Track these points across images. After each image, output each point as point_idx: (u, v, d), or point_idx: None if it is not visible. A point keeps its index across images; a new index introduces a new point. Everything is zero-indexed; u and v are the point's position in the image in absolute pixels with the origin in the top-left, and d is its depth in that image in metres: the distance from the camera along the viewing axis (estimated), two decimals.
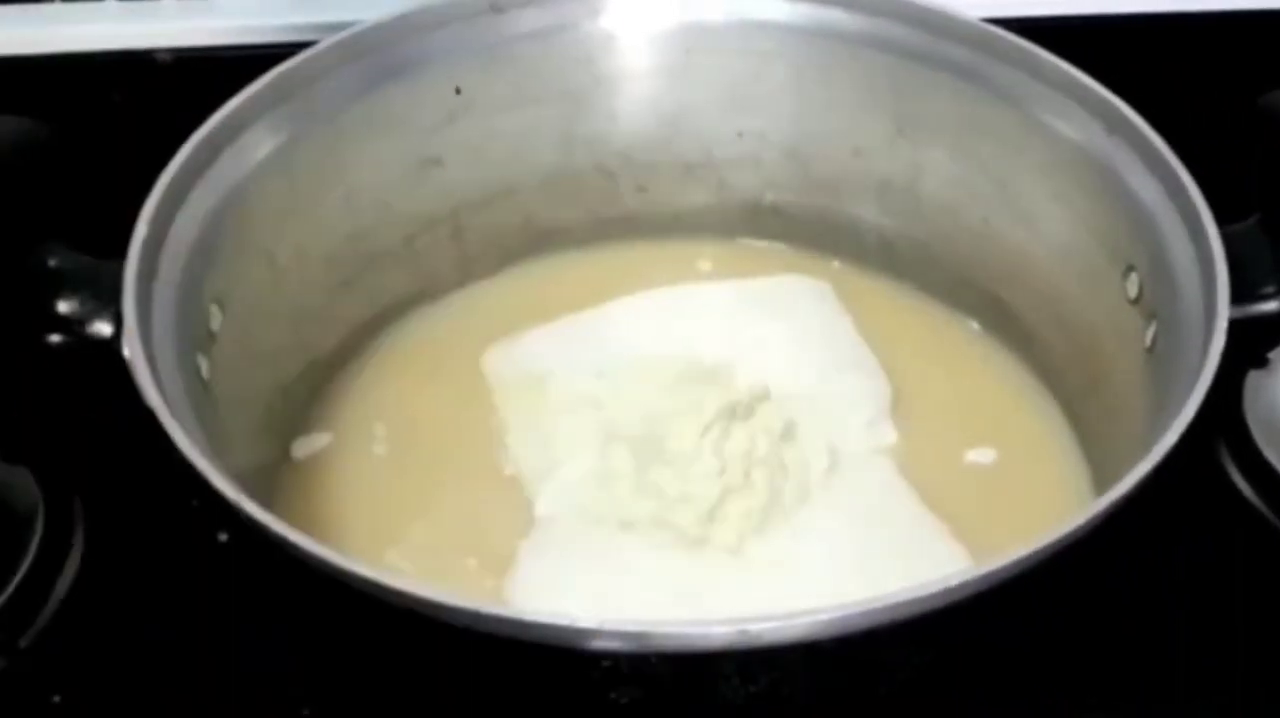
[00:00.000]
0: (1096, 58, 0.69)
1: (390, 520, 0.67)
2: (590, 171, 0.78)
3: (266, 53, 0.71)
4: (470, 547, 0.66)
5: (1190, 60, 0.86)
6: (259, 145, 0.68)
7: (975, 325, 0.77)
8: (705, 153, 0.78)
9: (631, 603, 0.62)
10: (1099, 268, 0.69)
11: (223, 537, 0.63)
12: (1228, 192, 0.64)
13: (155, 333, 0.60)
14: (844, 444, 0.69)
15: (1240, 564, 0.64)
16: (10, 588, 0.60)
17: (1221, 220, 0.62)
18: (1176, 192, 0.64)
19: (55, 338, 0.61)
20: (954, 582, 0.51)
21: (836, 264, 0.79)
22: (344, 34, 0.71)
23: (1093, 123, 0.68)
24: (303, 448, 0.70)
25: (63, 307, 0.61)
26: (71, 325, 0.61)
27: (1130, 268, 0.67)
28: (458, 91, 0.74)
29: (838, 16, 0.74)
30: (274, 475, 0.68)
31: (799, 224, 0.79)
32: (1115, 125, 0.67)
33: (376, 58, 0.71)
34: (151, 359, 0.58)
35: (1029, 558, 0.52)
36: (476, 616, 0.50)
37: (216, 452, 0.57)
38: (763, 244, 0.80)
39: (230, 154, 0.66)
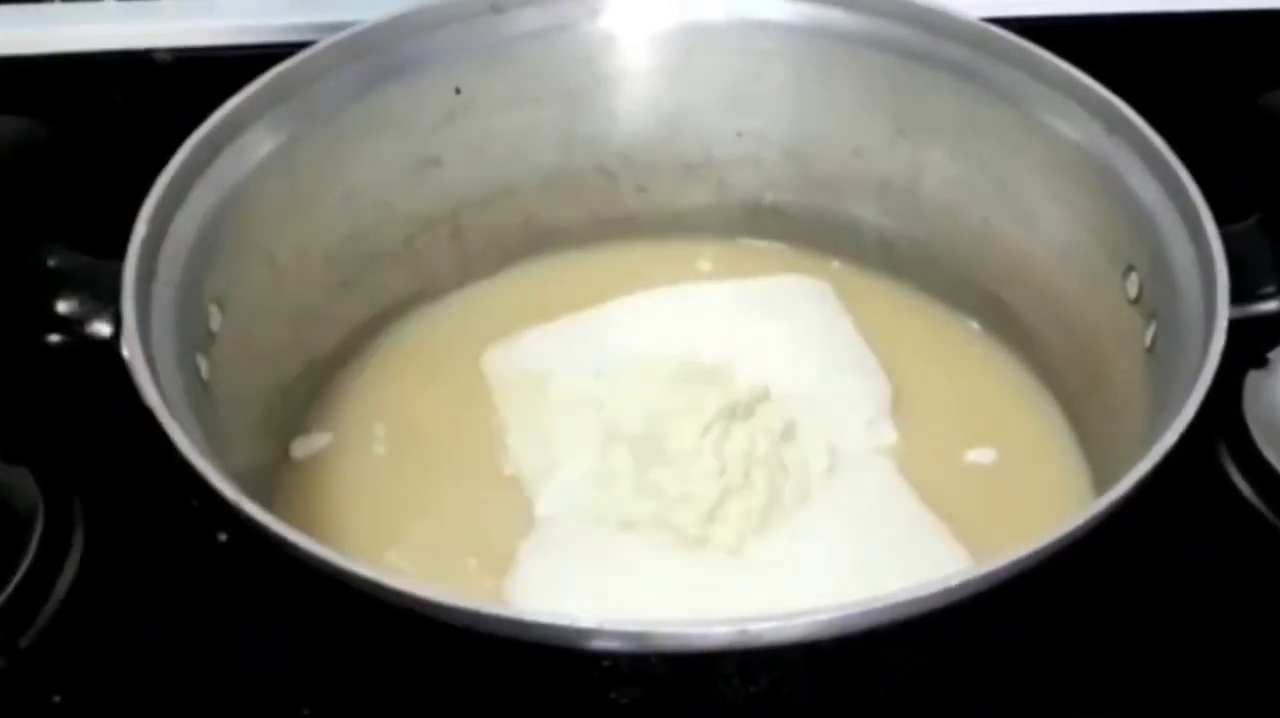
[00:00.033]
0: (1096, 58, 0.69)
1: (390, 520, 0.67)
2: (590, 171, 0.78)
3: (266, 53, 0.71)
4: (470, 547, 0.66)
5: (1190, 60, 0.86)
6: (258, 145, 0.68)
7: (975, 325, 0.77)
8: (705, 153, 0.78)
9: (631, 603, 0.62)
10: (1099, 268, 0.69)
11: (222, 537, 0.62)
12: (1228, 192, 0.64)
13: (155, 333, 0.60)
14: (844, 444, 0.69)
15: (1240, 564, 0.64)
16: (10, 588, 0.60)
17: (1221, 220, 0.62)
18: (1176, 191, 0.64)
19: (55, 338, 0.61)
20: (954, 582, 0.51)
21: (836, 264, 0.79)
22: (343, 34, 0.71)
23: (1093, 123, 0.68)
24: (302, 448, 0.70)
25: (62, 307, 0.61)
26: (71, 325, 0.61)
27: (1130, 268, 0.67)
28: (457, 91, 0.74)
29: (838, 16, 0.74)
30: (274, 475, 0.68)
31: (799, 224, 0.79)
32: (1115, 125, 0.67)
33: (376, 58, 0.71)
34: (151, 359, 0.58)
35: (1029, 558, 0.52)
36: (476, 615, 0.50)
37: (216, 452, 0.57)
38: (763, 244, 0.80)
39: (230, 154, 0.66)
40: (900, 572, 0.55)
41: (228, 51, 0.86)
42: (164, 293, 0.61)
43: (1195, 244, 0.63)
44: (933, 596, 0.51)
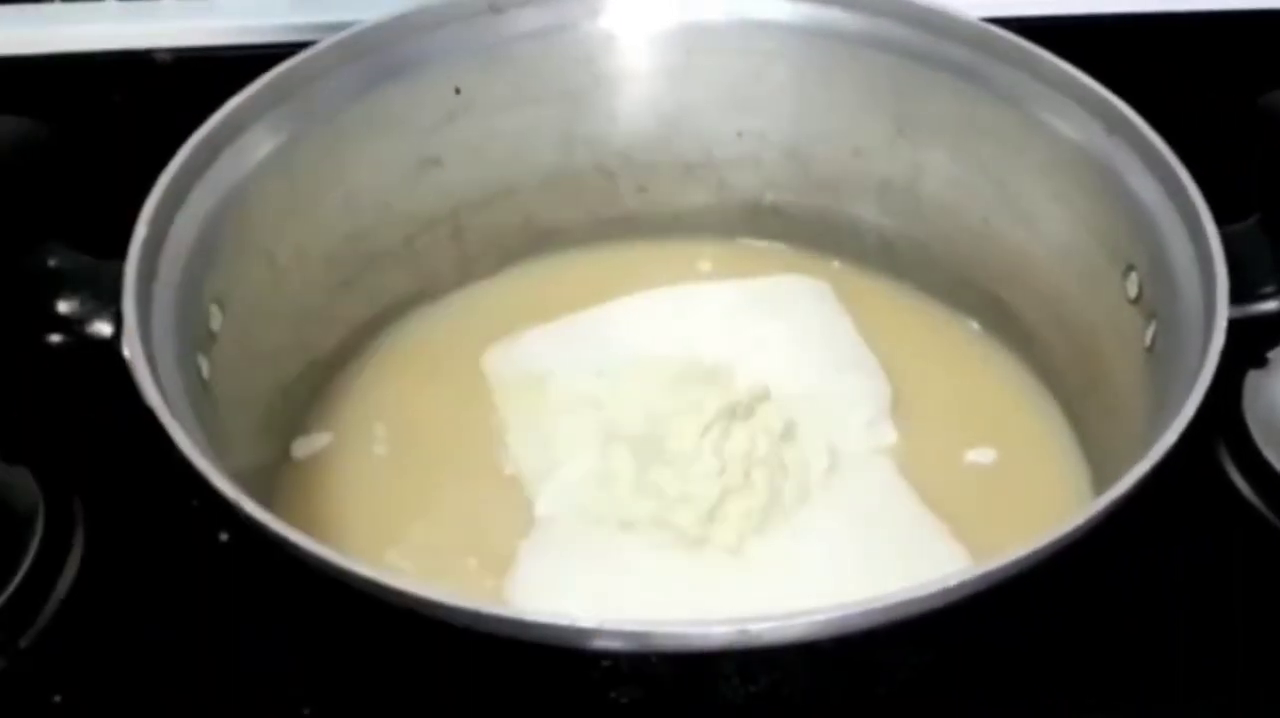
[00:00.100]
0: (1096, 58, 0.69)
1: (390, 520, 0.67)
2: (590, 172, 0.78)
3: (266, 53, 0.71)
4: (470, 547, 0.66)
5: (1190, 60, 0.86)
6: (259, 145, 0.68)
7: (975, 325, 0.77)
8: (705, 153, 0.78)
9: (631, 603, 0.62)
10: (1099, 268, 0.69)
11: (223, 537, 0.62)
12: (1228, 192, 0.64)
13: (155, 333, 0.60)
14: (844, 444, 0.69)
15: (1239, 564, 0.64)
16: (10, 588, 0.60)
17: (1221, 220, 0.63)
18: (1176, 191, 0.64)
19: (55, 338, 0.61)
20: (953, 582, 0.51)
21: (836, 264, 0.79)
22: (343, 34, 0.71)
23: (1093, 123, 0.68)
24: (303, 448, 0.70)
25: (63, 307, 0.61)
26: (71, 325, 0.61)
27: (1130, 268, 0.67)
28: (457, 91, 0.74)
29: (838, 17, 0.74)
30: (274, 475, 0.68)
31: (799, 224, 0.79)
32: (1115, 125, 0.67)
33: (376, 58, 0.72)
34: (151, 359, 0.58)
35: (1028, 558, 0.52)
36: (477, 615, 0.50)
37: (217, 452, 0.57)
38: (763, 244, 0.81)
39: (230, 154, 0.67)
40: (900, 572, 0.55)
41: (228, 52, 0.86)
42: (164, 293, 0.61)
43: (1195, 244, 0.63)
44: (932, 596, 0.51)
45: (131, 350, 0.58)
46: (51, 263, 0.62)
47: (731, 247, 0.81)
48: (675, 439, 0.65)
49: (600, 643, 0.51)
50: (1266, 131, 0.68)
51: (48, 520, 0.62)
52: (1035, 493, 0.69)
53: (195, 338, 0.63)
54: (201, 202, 0.65)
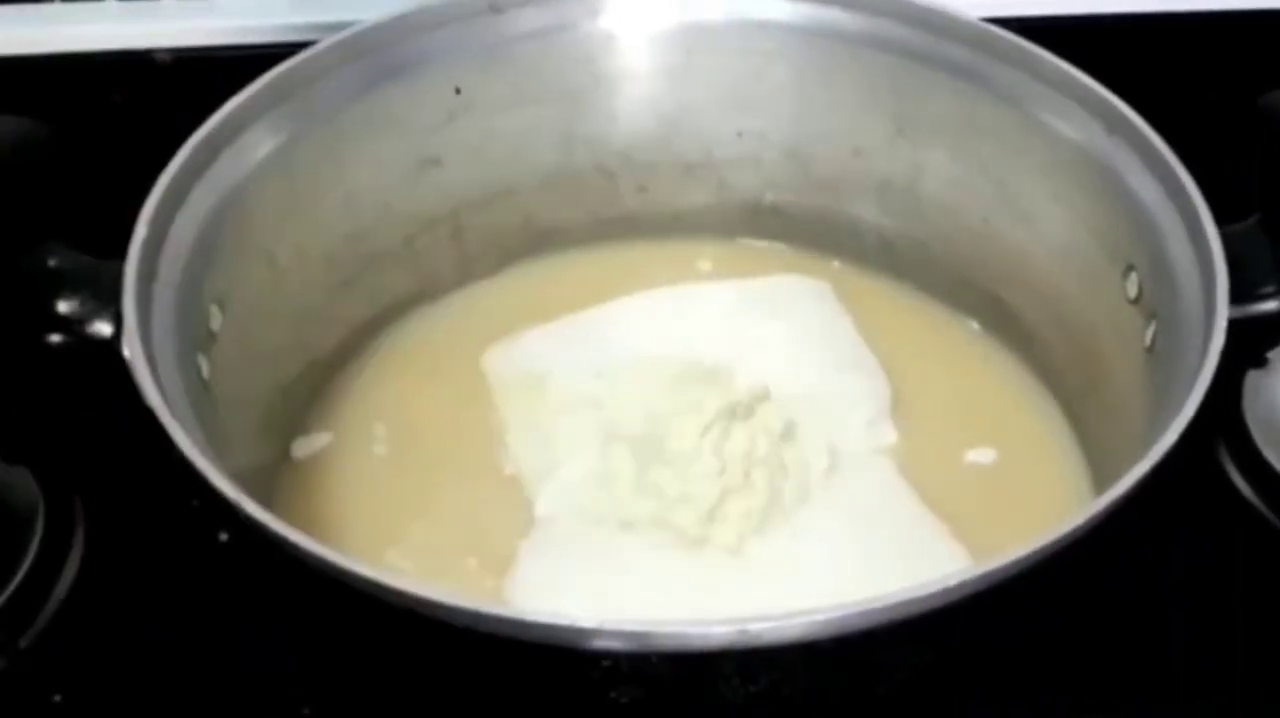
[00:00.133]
0: (1096, 58, 0.69)
1: (390, 520, 0.67)
2: (590, 172, 0.78)
3: (266, 53, 0.71)
4: (470, 547, 0.66)
5: (1190, 60, 0.86)
6: (259, 145, 0.68)
7: (975, 325, 0.77)
8: (705, 153, 0.78)
9: (631, 603, 0.63)
10: (1099, 268, 0.69)
11: (223, 537, 0.62)
12: (1227, 192, 0.64)
13: (155, 333, 0.60)
14: (844, 444, 0.69)
15: (1239, 564, 0.64)
16: (10, 588, 0.60)
17: (1221, 220, 0.63)
18: (1176, 192, 0.64)
19: (55, 338, 0.61)
20: (952, 582, 0.51)
21: (836, 264, 0.79)
22: (343, 34, 0.71)
23: (1092, 123, 0.68)
24: (303, 448, 0.70)
25: (63, 307, 0.61)
26: (72, 325, 0.61)
27: (1130, 268, 0.67)
28: (457, 92, 0.74)
29: (838, 17, 0.74)
30: (274, 475, 0.68)
31: (799, 224, 0.79)
32: (1115, 125, 0.67)
33: (376, 58, 0.72)
34: (152, 359, 0.58)
35: (1027, 558, 0.52)
36: (477, 615, 0.50)
37: (217, 452, 0.57)
38: (763, 244, 0.81)
39: (230, 154, 0.67)
40: (900, 572, 0.55)
41: (228, 52, 0.86)
42: (165, 293, 0.61)
43: (1195, 244, 0.63)
44: (931, 596, 0.51)
45: (132, 350, 0.58)
46: (52, 263, 0.62)
47: (731, 247, 0.81)
48: (675, 439, 0.65)
49: (600, 643, 0.51)
50: (1266, 131, 0.68)
51: (48, 520, 0.62)
52: (1035, 493, 0.69)
53: (195, 338, 0.63)
54: (201, 201, 0.65)
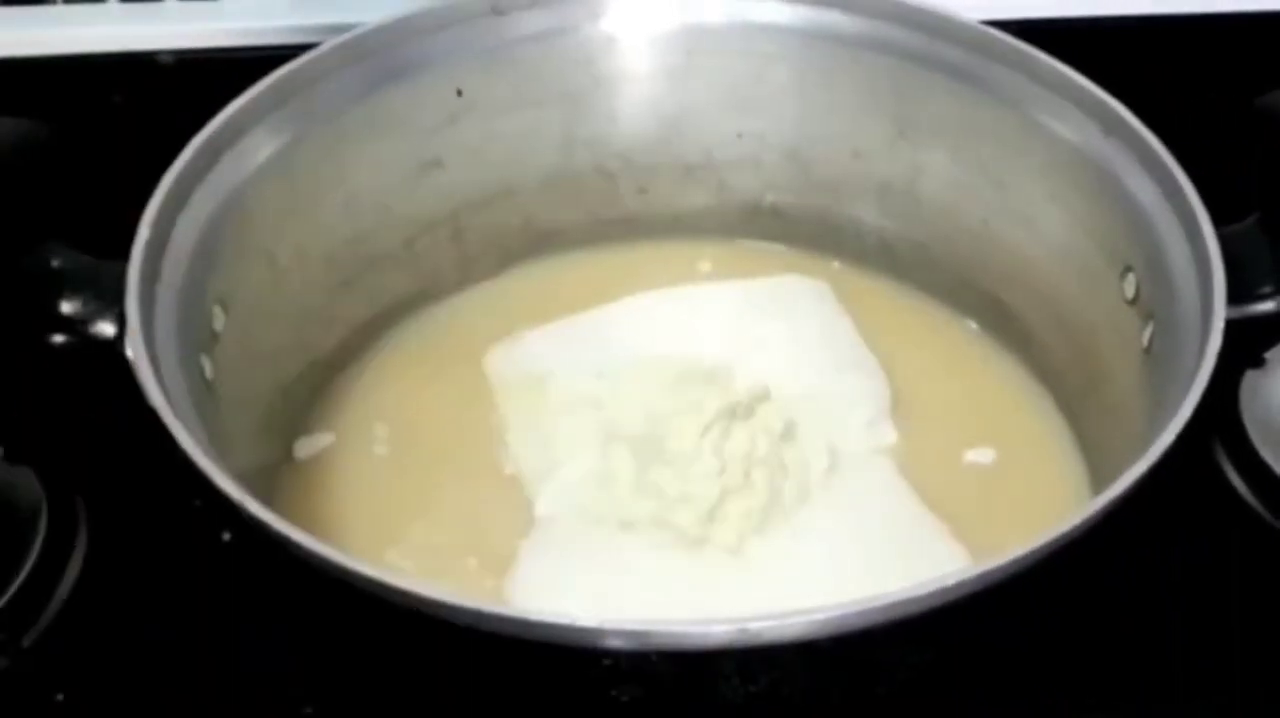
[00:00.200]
0: (1094, 59, 0.70)
1: (391, 520, 0.67)
2: (590, 173, 0.78)
3: (268, 55, 0.71)
4: (470, 547, 0.66)
5: (1188, 61, 0.86)
6: (260, 147, 0.68)
7: (975, 325, 0.77)
8: (705, 154, 0.79)
9: (631, 603, 0.63)
10: (1097, 268, 0.69)
11: (225, 536, 0.63)
12: (1225, 192, 0.64)
13: (158, 334, 0.60)
14: (844, 444, 0.69)
15: (1237, 564, 0.64)
16: (13, 588, 0.60)
17: (1219, 221, 0.63)
18: (1173, 192, 0.64)
19: (58, 338, 0.62)
20: (951, 582, 0.51)
21: (836, 265, 0.79)
22: (345, 36, 0.71)
23: (1090, 124, 0.68)
24: (304, 448, 0.71)
25: (65, 307, 0.61)
26: (74, 326, 0.61)
27: (1128, 268, 0.67)
28: (459, 93, 0.74)
29: (838, 19, 0.74)
30: (276, 475, 0.69)
31: (799, 225, 0.80)
32: (1112, 127, 0.68)
33: (378, 60, 0.72)
34: (154, 360, 0.58)
35: (1026, 558, 0.52)
36: (479, 615, 0.51)
37: (219, 452, 0.57)
38: (763, 245, 0.81)
39: (232, 156, 0.67)
40: (900, 572, 0.55)
41: (230, 54, 0.86)
42: (167, 294, 0.61)
43: (1192, 245, 0.63)
44: (930, 595, 0.51)
45: (135, 351, 0.58)
46: (54, 263, 0.62)
47: (731, 247, 0.81)
48: (675, 439, 0.65)
49: (601, 642, 0.52)
50: (1265, 132, 0.68)
51: (51, 520, 0.63)
52: (1034, 493, 0.69)
53: (198, 339, 0.63)
54: (203, 203, 0.65)
